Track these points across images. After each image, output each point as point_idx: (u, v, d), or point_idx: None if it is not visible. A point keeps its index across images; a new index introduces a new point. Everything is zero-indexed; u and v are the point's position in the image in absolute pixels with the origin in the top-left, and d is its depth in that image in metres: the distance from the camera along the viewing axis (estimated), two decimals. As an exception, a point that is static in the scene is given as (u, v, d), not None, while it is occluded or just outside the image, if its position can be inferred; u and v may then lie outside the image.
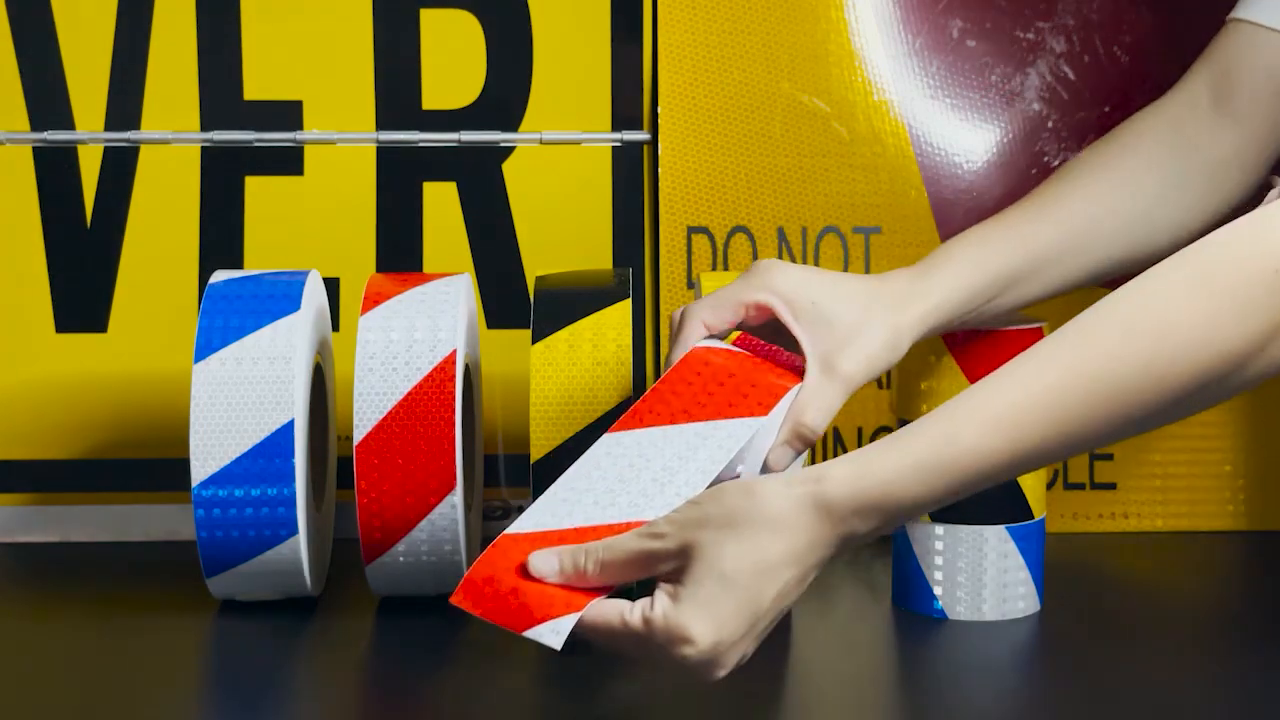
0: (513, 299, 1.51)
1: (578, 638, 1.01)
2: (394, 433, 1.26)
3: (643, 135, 1.52)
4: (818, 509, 1.01)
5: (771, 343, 1.20)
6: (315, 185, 1.51)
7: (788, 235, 1.50)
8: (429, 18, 1.51)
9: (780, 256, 1.49)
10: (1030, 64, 1.51)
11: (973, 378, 1.26)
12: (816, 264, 1.50)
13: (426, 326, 1.28)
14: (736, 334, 1.21)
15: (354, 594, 1.34)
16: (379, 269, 1.51)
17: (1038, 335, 1.27)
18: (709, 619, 0.99)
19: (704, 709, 1.03)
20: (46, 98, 1.49)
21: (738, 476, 1.14)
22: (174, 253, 1.50)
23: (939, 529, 1.29)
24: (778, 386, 1.16)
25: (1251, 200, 1.31)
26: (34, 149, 1.49)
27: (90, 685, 1.20)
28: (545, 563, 1.02)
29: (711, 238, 1.50)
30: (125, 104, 1.50)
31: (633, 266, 1.52)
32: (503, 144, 1.51)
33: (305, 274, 1.33)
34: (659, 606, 1.00)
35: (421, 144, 1.51)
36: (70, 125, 1.50)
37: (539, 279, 1.34)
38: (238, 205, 1.50)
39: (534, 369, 1.27)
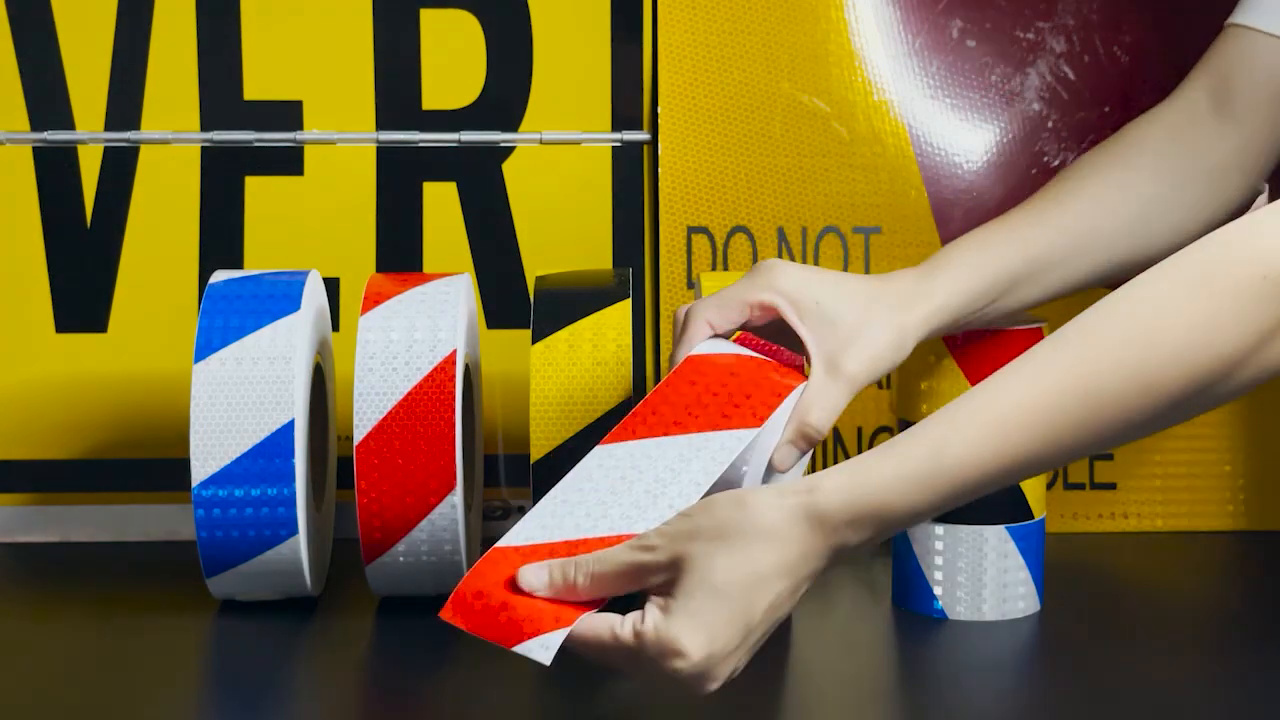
0: (513, 299, 1.51)
1: (568, 652, 1.01)
2: (394, 433, 1.26)
3: (643, 135, 1.52)
4: (810, 520, 1.01)
5: (775, 343, 1.20)
6: (315, 185, 1.51)
7: (788, 235, 1.50)
8: (429, 18, 1.51)
9: (780, 256, 1.49)
10: (1030, 64, 1.51)
11: (973, 378, 1.26)
12: (816, 264, 1.50)
13: (426, 326, 1.28)
14: (738, 334, 1.21)
15: (354, 594, 1.34)
16: (379, 269, 1.51)
17: (1038, 335, 1.27)
18: (701, 631, 0.99)
19: (704, 709, 1.03)
20: (46, 98, 1.49)
21: (743, 474, 1.14)
22: (174, 253, 1.50)
23: (939, 529, 1.29)
24: (782, 386, 1.16)
25: (1244, 206, 1.32)
26: (34, 149, 1.49)
27: (90, 685, 1.20)
28: (535, 576, 1.02)
29: (711, 238, 1.50)
30: (125, 104, 1.50)
31: (633, 266, 1.52)
32: (503, 144, 1.51)
33: (305, 274, 1.33)
34: (650, 620, 0.99)
35: (421, 144, 1.51)
36: (70, 125, 1.50)
37: (539, 279, 1.34)
38: (238, 205, 1.50)
39: (534, 369, 1.27)
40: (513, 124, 1.51)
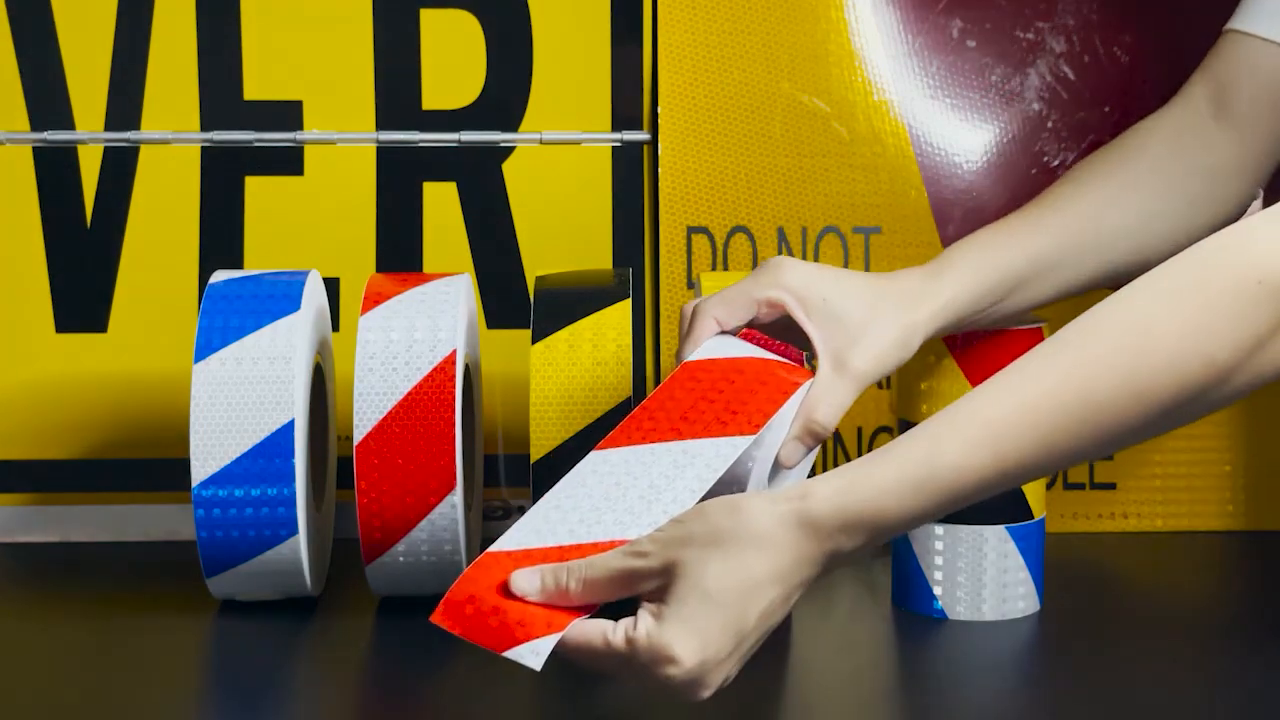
0: (513, 299, 1.51)
1: (559, 658, 1.01)
2: (394, 433, 1.26)
3: (643, 135, 1.52)
4: (803, 526, 1.01)
5: (782, 340, 1.21)
6: (315, 185, 1.51)
7: (788, 235, 1.50)
8: (429, 18, 1.51)
9: (781, 256, 1.49)
10: (1030, 64, 1.51)
11: (973, 378, 1.27)
12: (817, 264, 1.50)
13: (426, 326, 1.28)
14: (744, 330, 1.21)
15: (354, 594, 1.34)
16: (379, 269, 1.51)
17: (1038, 335, 1.27)
18: (693, 638, 0.98)
19: (704, 709, 1.03)
20: (46, 98, 1.49)
21: (749, 469, 1.14)
22: (174, 253, 1.50)
23: (939, 529, 1.29)
24: (788, 384, 1.15)
25: (1244, 210, 1.32)
26: (34, 149, 1.49)
27: (90, 685, 1.19)
28: (527, 581, 1.02)
29: (711, 238, 1.50)
30: (125, 104, 1.50)
31: (633, 266, 1.52)
32: (503, 144, 1.51)
33: (305, 274, 1.33)
34: (642, 626, 0.99)
35: (421, 144, 1.51)
36: (70, 125, 1.50)
37: (539, 279, 1.34)
38: (238, 205, 1.50)
39: (534, 369, 1.27)
40: (513, 124, 1.51)
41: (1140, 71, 1.50)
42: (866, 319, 1.18)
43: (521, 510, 1.50)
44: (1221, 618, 1.33)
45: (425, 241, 1.51)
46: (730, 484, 1.13)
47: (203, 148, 1.50)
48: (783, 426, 1.15)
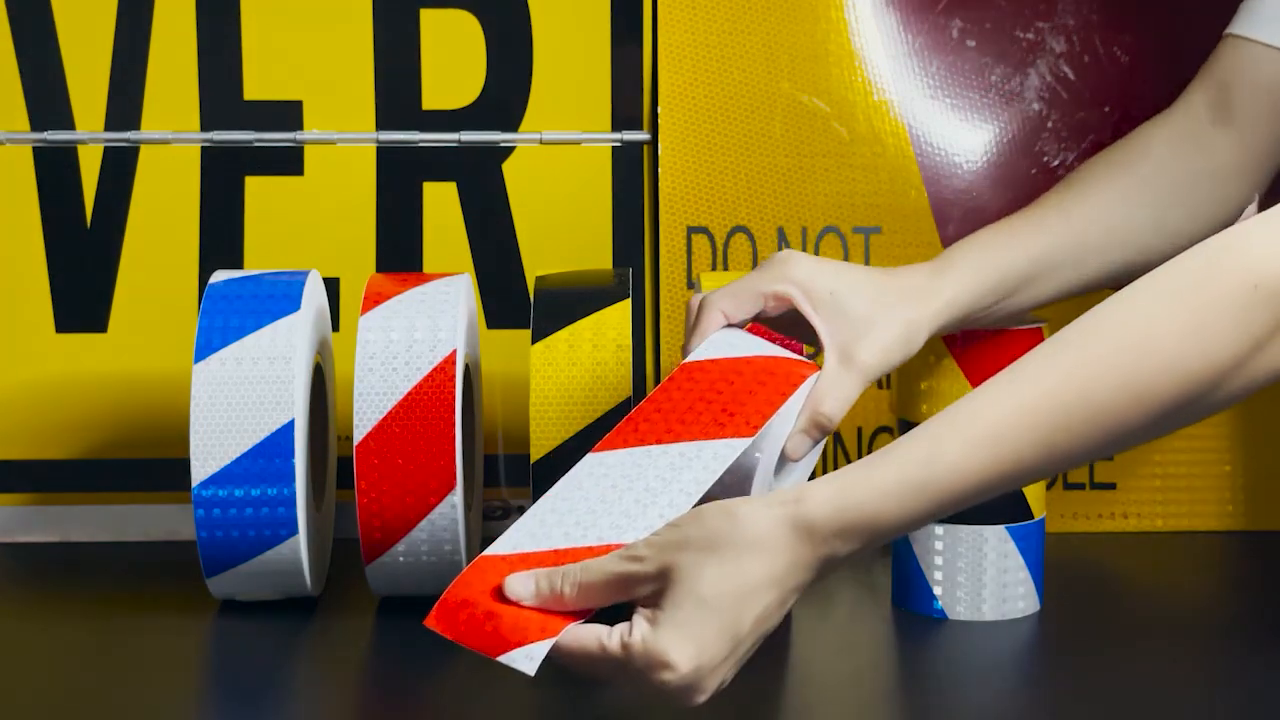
0: (513, 299, 1.51)
1: (553, 663, 1.01)
2: (394, 433, 1.26)
3: (643, 135, 1.52)
4: (798, 530, 1.00)
5: (787, 335, 1.21)
6: (315, 185, 1.51)
7: (788, 235, 1.50)
8: (429, 18, 1.51)
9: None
10: (1030, 64, 1.51)
11: (973, 378, 1.27)
12: (816, 264, 1.50)
13: (426, 326, 1.28)
14: (750, 325, 1.21)
15: (354, 594, 1.34)
16: (379, 269, 1.51)
17: (1038, 335, 1.27)
18: (689, 644, 0.98)
19: (703, 710, 1.03)
20: (46, 98, 1.49)
21: (756, 460, 1.14)
22: (174, 253, 1.50)
23: (939, 529, 1.29)
24: (792, 378, 1.16)
25: (1239, 215, 1.33)
26: (34, 149, 1.49)
27: (90, 685, 1.19)
28: (522, 585, 1.02)
29: (711, 238, 1.50)
30: (125, 104, 1.50)
31: (633, 266, 1.52)
32: (503, 144, 1.51)
33: (305, 274, 1.33)
34: (638, 631, 0.99)
35: (421, 144, 1.51)
36: (70, 125, 1.50)
37: (539, 279, 1.34)
38: (238, 205, 1.50)
39: (534, 369, 1.27)
40: (513, 124, 1.51)
41: (1140, 71, 1.50)
42: (873, 313, 1.19)
43: (521, 510, 1.50)
44: (1221, 618, 1.33)
45: (425, 241, 1.51)
46: (736, 477, 1.14)
47: (203, 148, 1.50)
48: (789, 419, 1.15)
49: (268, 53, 1.50)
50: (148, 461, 1.50)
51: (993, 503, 1.25)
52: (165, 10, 1.49)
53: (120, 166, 1.50)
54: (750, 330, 1.21)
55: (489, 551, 1.04)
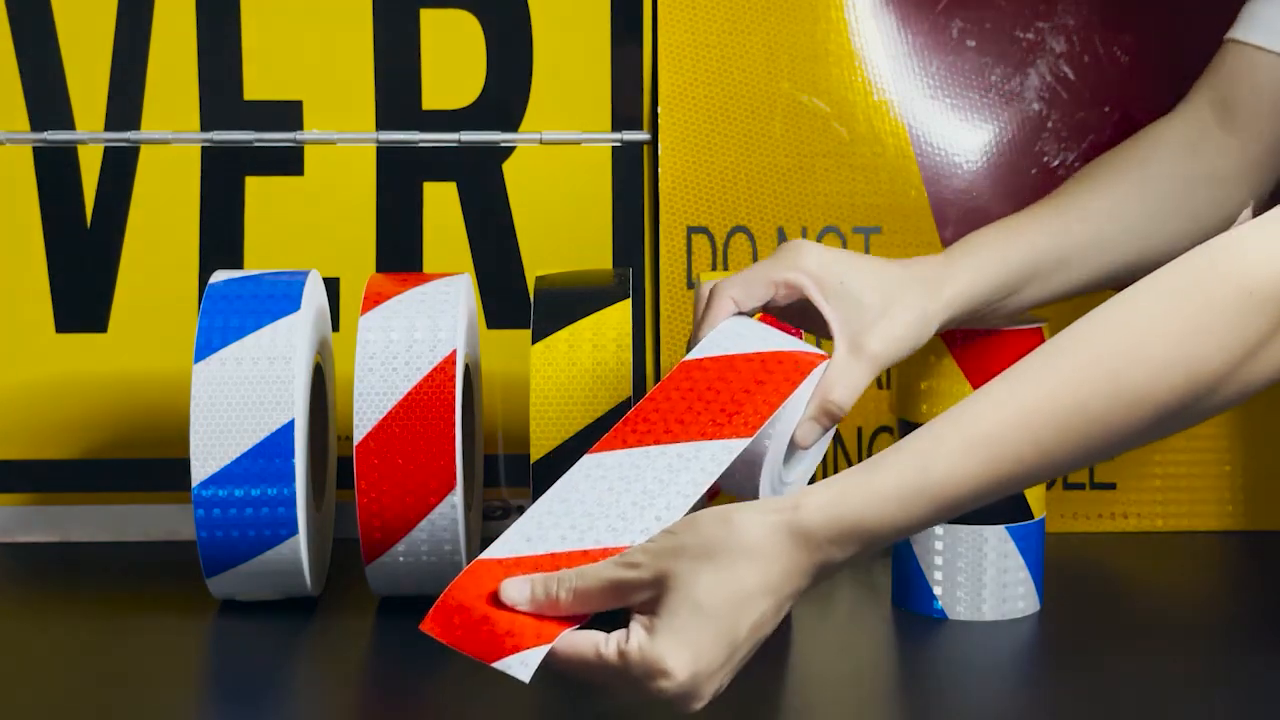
0: (513, 299, 1.51)
1: (549, 669, 1.00)
2: (394, 433, 1.26)
3: (643, 135, 1.52)
4: (794, 537, 1.00)
5: (796, 324, 1.22)
6: (315, 185, 1.51)
7: (788, 235, 1.50)
8: (429, 18, 1.51)
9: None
10: (1030, 64, 1.51)
11: (972, 378, 1.27)
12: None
13: (426, 326, 1.28)
14: (759, 315, 1.22)
15: (354, 594, 1.34)
16: (379, 269, 1.51)
17: (1038, 335, 1.28)
18: (686, 651, 0.98)
19: (702, 711, 1.03)
20: (46, 98, 1.49)
21: (766, 447, 1.14)
22: (174, 253, 1.50)
23: (939, 529, 1.29)
24: (801, 368, 1.16)
25: (1235, 219, 1.33)
26: (34, 149, 1.49)
27: (90, 685, 1.19)
28: (517, 590, 1.01)
29: (711, 238, 1.50)
30: (125, 104, 1.50)
31: (633, 266, 1.52)
32: (503, 144, 1.51)
33: (305, 274, 1.33)
34: (635, 639, 0.99)
35: (421, 144, 1.51)
36: (70, 125, 1.50)
37: (539, 279, 1.34)
38: (238, 205, 1.50)
39: (534, 369, 1.27)
40: (513, 124, 1.51)
41: (1140, 71, 1.50)
42: (883, 303, 1.20)
43: (521, 510, 1.50)
44: (1221, 618, 1.33)
45: (425, 241, 1.51)
46: (746, 464, 1.14)
47: (203, 148, 1.50)
48: (799, 407, 1.15)
49: (268, 53, 1.50)
50: (148, 461, 1.50)
51: (992, 503, 1.26)
52: (165, 10, 1.49)
53: (120, 166, 1.50)
54: (759, 319, 1.21)
55: (485, 555, 1.04)
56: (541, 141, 1.51)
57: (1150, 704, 1.15)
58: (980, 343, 1.27)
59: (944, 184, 1.51)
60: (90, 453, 1.50)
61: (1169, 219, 1.30)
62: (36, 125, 1.49)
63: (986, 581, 1.29)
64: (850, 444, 1.51)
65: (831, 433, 1.19)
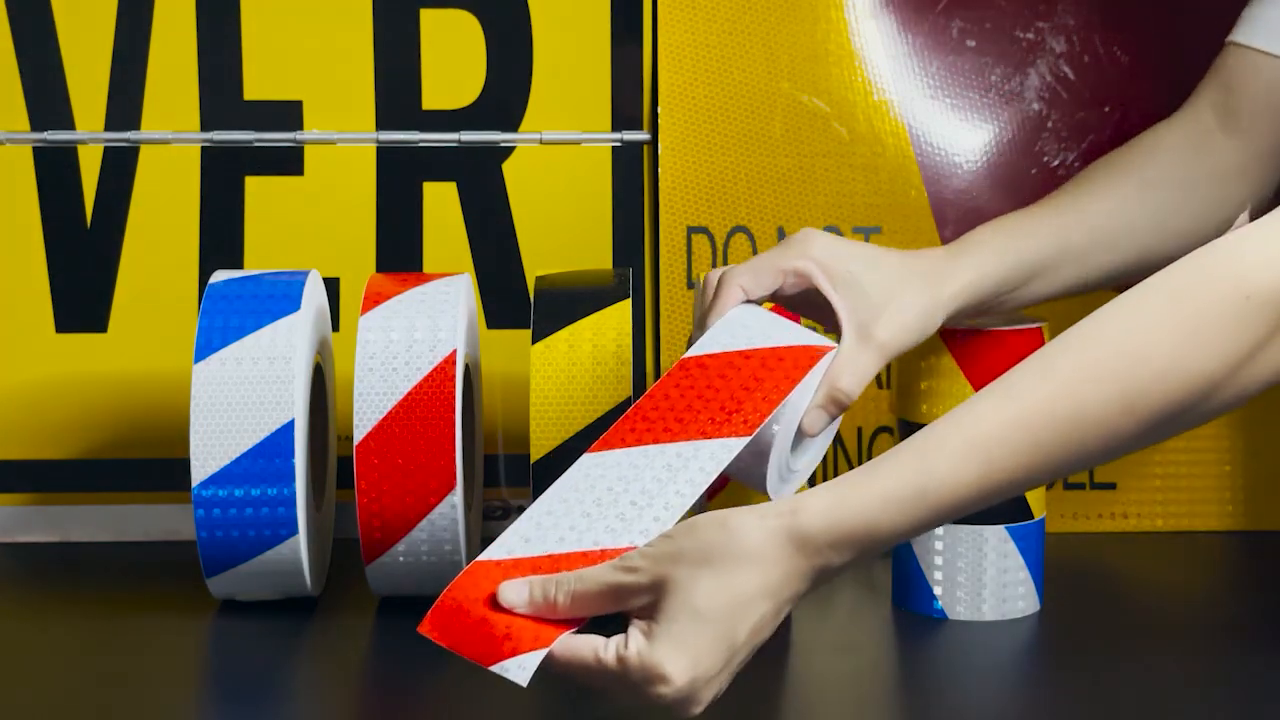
0: (513, 299, 1.51)
1: (547, 673, 1.00)
2: (394, 433, 1.26)
3: (643, 135, 1.52)
4: (792, 541, 1.00)
5: (804, 314, 1.22)
6: (315, 185, 1.51)
7: (788, 235, 1.50)
8: (429, 18, 1.51)
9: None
10: (1030, 64, 1.51)
11: (972, 378, 1.27)
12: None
13: (426, 326, 1.28)
14: (768, 304, 1.22)
15: (354, 594, 1.34)
16: (379, 269, 1.51)
17: (1038, 335, 1.28)
18: (684, 656, 0.98)
19: (702, 712, 1.03)
20: (46, 98, 1.49)
21: (774, 433, 1.14)
22: (174, 253, 1.50)
23: (939, 529, 1.29)
24: (805, 360, 1.16)
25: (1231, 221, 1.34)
26: (34, 149, 1.49)
27: (90, 685, 1.19)
28: (515, 592, 1.01)
29: (711, 238, 1.50)
30: (125, 104, 1.50)
31: (633, 266, 1.52)
32: (503, 144, 1.51)
33: (305, 274, 1.33)
34: (633, 644, 0.99)
35: (421, 144, 1.51)
36: (70, 125, 1.50)
37: (539, 279, 1.34)
38: (238, 205, 1.50)
39: (534, 369, 1.27)
40: (513, 124, 1.51)
41: (1140, 71, 1.50)
42: (891, 292, 1.20)
43: (521, 510, 1.50)
44: (1221, 618, 1.33)
45: (425, 241, 1.51)
46: (753, 451, 1.14)
47: (203, 148, 1.50)
48: (806, 395, 1.16)
49: (268, 53, 1.50)
50: (148, 461, 1.50)
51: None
52: (165, 10, 1.49)
53: (120, 166, 1.50)
54: (768, 308, 1.21)
55: (483, 556, 1.04)
56: (541, 141, 1.51)
57: (1150, 704, 1.15)
58: (980, 343, 1.27)
59: (944, 184, 1.51)
60: (90, 453, 1.50)
61: (1170, 220, 1.31)
62: (36, 125, 1.49)
63: (986, 581, 1.29)
64: (850, 444, 1.51)
65: (838, 422, 1.19)
